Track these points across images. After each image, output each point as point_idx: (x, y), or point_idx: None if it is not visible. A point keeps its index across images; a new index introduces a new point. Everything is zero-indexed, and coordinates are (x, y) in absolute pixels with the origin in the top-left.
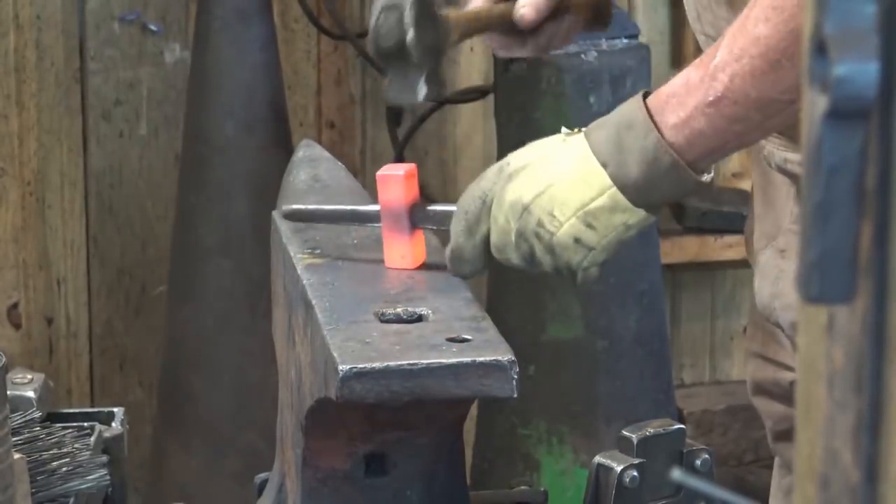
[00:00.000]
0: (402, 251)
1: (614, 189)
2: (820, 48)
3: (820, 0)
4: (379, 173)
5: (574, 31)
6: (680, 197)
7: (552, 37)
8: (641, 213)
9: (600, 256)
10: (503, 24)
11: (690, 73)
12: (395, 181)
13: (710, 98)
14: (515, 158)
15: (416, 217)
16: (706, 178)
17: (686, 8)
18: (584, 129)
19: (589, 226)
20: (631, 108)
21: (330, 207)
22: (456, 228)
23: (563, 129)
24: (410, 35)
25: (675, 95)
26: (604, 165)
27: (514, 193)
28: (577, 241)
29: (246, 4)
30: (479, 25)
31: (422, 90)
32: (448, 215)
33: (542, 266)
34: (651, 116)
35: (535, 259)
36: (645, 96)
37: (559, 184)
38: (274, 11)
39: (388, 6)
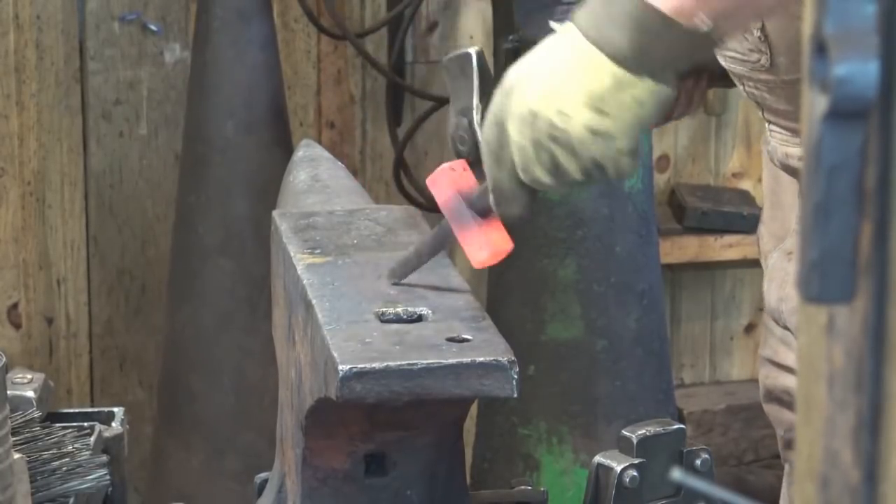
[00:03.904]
0: (478, 243)
1: (612, 65)
2: (820, 48)
3: (820, 0)
4: (428, 179)
5: (700, 95)
6: (684, 58)
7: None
8: (648, 82)
9: (624, 143)
10: None
11: None
12: (441, 176)
13: None
14: (514, 69)
15: (478, 205)
16: (703, 25)
17: None
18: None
19: (600, 112)
20: None
21: (412, 251)
22: (487, 165)
23: (552, 22)
24: (479, 137)
25: None
26: (595, 44)
27: (519, 104)
28: (593, 132)
29: (246, 4)
30: None
31: None
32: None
33: (571, 172)
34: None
35: (560, 167)
36: None
37: (557, 77)
38: (274, 11)
39: (460, 110)
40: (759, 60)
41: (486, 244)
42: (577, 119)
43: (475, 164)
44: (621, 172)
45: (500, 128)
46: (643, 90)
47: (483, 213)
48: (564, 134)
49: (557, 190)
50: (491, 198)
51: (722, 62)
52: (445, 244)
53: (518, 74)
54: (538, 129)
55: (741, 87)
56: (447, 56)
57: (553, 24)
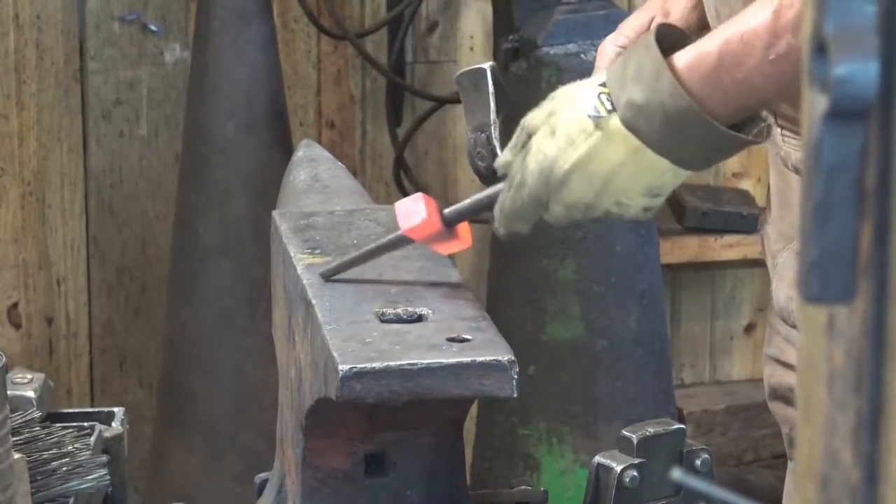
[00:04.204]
0: (454, 247)
1: (678, 168)
2: (820, 48)
3: (820, 0)
4: (404, 228)
5: None
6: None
7: None
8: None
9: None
10: None
11: (731, 36)
12: (422, 227)
13: (772, 56)
14: (559, 161)
15: (452, 223)
16: (762, 128)
17: (705, 5)
18: (606, 98)
19: (656, 196)
20: (672, 94)
21: (358, 253)
22: (508, 219)
23: (588, 112)
24: (499, 153)
25: (721, 63)
26: (663, 154)
27: (572, 196)
28: (647, 209)
29: (246, 4)
30: None
31: None
32: (476, 207)
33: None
34: (694, 96)
35: (600, 220)
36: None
37: (620, 178)
38: (274, 11)
39: (477, 127)
40: None
41: (460, 245)
42: (634, 205)
43: (491, 179)
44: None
45: (538, 204)
46: (694, 173)
47: (454, 223)
48: (619, 216)
49: None
50: (501, 231)
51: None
52: (393, 250)
53: (566, 167)
54: (591, 214)
55: None
56: (460, 71)
57: (590, 115)
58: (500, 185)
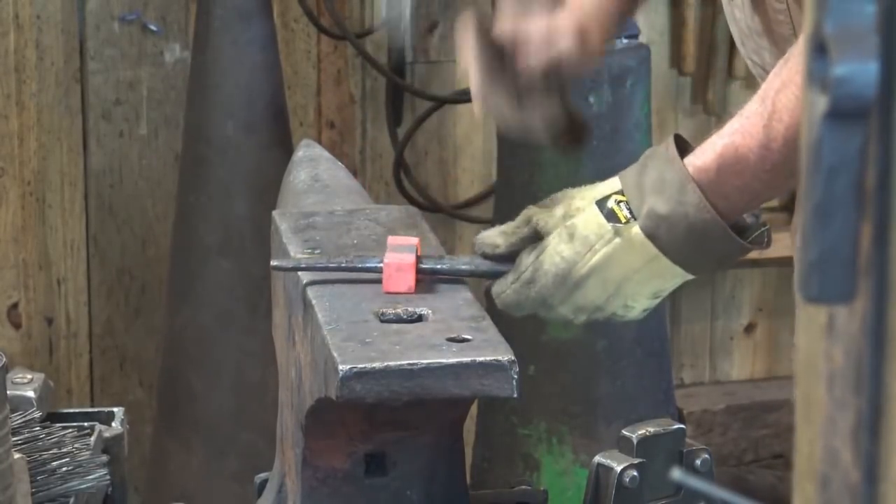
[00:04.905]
0: (399, 287)
1: (686, 273)
2: (820, 48)
3: (820, 0)
4: (385, 286)
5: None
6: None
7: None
8: None
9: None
10: None
11: (727, 148)
12: (397, 287)
13: (767, 167)
14: (577, 265)
15: (419, 273)
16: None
17: (731, 32)
18: (625, 206)
19: (657, 297)
20: (697, 207)
21: (329, 263)
22: (506, 306)
23: (607, 218)
24: None
25: (720, 174)
26: (679, 263)
27: (585, 300)
28: (646, 310)
29: (246, 4)
30: None
31: None
32: (453, 274)
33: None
34: (717, 208)
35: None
36: (691, 166)
37: (633, 283)
38: (274, 11)
39: None
40: None
41: (404, 289)
42: (638, 307)
43: None
44: None
45: (544, 303)
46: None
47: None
48: (623, 317)
49: None
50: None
51: (752, 67)
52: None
53: (583, 272)
54: (597, 315)
55: None
56: None
57: (610, 221)
58: (480, 261)
